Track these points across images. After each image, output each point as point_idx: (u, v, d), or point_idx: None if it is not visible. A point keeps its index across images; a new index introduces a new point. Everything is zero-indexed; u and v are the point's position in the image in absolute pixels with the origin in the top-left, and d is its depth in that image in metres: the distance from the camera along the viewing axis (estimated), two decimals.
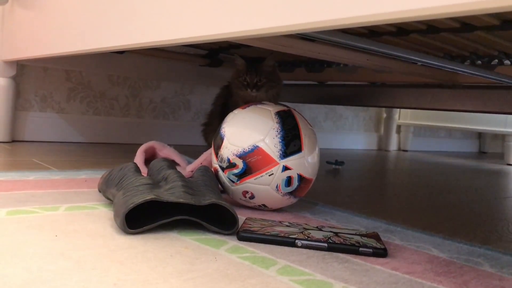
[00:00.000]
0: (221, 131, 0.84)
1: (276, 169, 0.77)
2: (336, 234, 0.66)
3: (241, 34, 0.58)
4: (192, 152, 1.44)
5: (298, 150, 0.79)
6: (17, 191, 0.80)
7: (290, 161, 0.78)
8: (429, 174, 1.80)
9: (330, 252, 0.61)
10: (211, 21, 0.62)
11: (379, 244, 0.62)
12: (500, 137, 3.92)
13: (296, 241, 0.62)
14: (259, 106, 0.85)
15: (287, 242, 0.62)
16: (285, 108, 0.84)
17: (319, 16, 0.49)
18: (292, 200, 0.83)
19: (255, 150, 0.77)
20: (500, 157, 3.38)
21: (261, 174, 0.77)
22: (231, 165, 0.79)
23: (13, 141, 1.60)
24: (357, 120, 2.84)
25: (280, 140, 0.78)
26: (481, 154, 3.64)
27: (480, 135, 3.86)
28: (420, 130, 3.31)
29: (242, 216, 0.77)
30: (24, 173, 0.97)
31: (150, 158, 1.10)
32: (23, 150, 1.40)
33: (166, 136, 2.00)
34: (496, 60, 1.18)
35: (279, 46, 0.81)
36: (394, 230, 0.76)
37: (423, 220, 0.90)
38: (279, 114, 0.81)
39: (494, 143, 3.95)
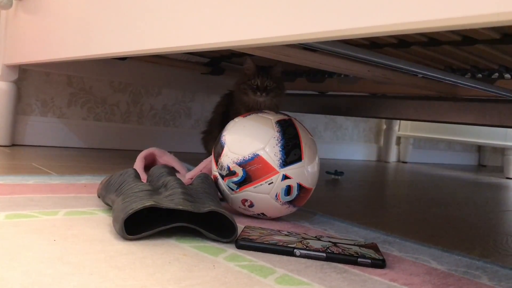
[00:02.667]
0: (222, 139, 0.84)
1: (276, 178, 0.77)
2: (335, 244, 0.66)
3: (243, 43, 0.59)
4: (192, 160, 1.44)
5: (298, 159, 0.79)
6: (16, 195, 0.80)
7: (290, 170, 0.78)
8: (428, 186, 1.80)
9: (328, 262, 0.61)
10: (213, 30, 0.63)
11: (377, 255, 0.62)
12: (500, 151, 3.93)
13: (295, 250, 0.62)
14: (260, 114, 0.85)
15: (285, 251, 0.62)
16: (286, 117, 0.85)
17: (321, 27, 0.49)
18: (291, 209, 0.83)
19: (255, 158, 0.78)
20: (500, 170, 3.38)
21: (260, 183, 0.78)
22: (231, 173, 0.79)
23: (13, 145, 1.60)
24: (357, 131, 2.84)
25: (281, 149, 0.78)
26: (481, 167, 3.64)
27: (479, 148, 3.86)
28: (420, 142, 3.31)
29: (241, 224, 0.77)
30: (23, 177, 0.97)
31: (150, 164, 1.10)
32: (23, 154, 1.40)
33: (166, 143, 2.00)
34: (497, 74, 1.19)
35: (281, 56, 0.82)
36: (393, 241, 0.76)
37: (422, 232, 0.90)
38: (279, 123, 0.82)
39: (494, 156, 3.96)
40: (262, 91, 1.14)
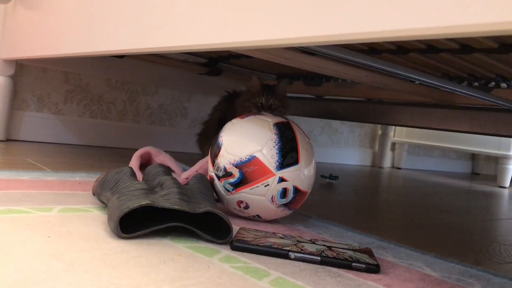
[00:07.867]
0: (219, 140, 0.84)
1: (272, 180, 0.77)
2: (329, 248, 0.66)
3: (242, 45, 0.59)
4: (187, 160, 1.44)
5: (295, 162, 0.79)
6: (10, 190, 0.80)
7: (286, 172, 0.78)
8: (422, 193, 1.81)
9: (322, 266, 0.61)
10: (213, 30, 0.63)
11: (372, 260, 0.62)
12: (493, 159, 3.95)
13: (290, 253, 0.62)
14: (258, 116, 0.85)
15: (280, 254, 0.62)
16: (283, 119, 0.85)
17: (321, 31, 0.49)
18: (287, 212, 0.83)
19: (252, 160, 0.78)
20: (493, 179, 3.39)
21: (256, 185, 0.77)
22: (227, 174, 0.79)
23: (8, 140, 1.59)
24: (352, 136, 2.85)
25: (278, 152, 0.78)
26: (474, 175, 3.66)
27: (473, 157, 3.88)
28: (414, 148, 3.33)
29: (236, 226, 0.77)
30: (18, 172, 0.97)
31: (145, 163, 1.10)
32: (17, 149, 1.39)
33: (162, 142, 2.00)
34: (493, 83, 1.19)
35: (279, 58, 0.82)
36: (387, 247, 0.76)
37: (416, 238, 0.90)
38: (277, 125, 0.82)
39: (487, 165, 3.98)
40: (266, 110, 1.09)
